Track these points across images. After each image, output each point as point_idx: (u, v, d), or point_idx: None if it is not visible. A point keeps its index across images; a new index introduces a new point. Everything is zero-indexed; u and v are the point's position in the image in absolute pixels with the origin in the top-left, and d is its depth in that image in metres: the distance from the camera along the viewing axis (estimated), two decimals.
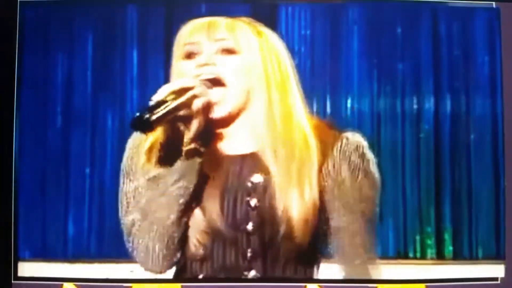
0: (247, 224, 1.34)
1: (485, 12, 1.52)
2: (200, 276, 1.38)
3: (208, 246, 1.35)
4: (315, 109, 1.48)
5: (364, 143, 1.41)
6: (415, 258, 1.50)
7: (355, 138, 1.40)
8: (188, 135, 1.30)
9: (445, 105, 1.51)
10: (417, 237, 1.50)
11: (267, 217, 1.34)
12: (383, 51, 1.51)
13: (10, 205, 1.48)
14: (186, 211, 1.33)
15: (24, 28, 1.51)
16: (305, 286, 1.43)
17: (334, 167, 1.37)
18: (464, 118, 1.51)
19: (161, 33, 1.50)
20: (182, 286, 1.43)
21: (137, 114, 1.24)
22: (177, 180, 1.31)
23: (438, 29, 1.52)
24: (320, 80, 1.49)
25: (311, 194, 1.35)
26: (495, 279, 1.49)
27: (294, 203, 1.33)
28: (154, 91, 1.45)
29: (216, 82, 1.35)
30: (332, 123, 1.44)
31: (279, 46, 1.41)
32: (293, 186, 1.34)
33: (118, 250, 1.42)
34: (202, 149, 1.32)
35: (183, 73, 1.36)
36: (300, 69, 1.48)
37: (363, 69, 1.50)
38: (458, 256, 1.50)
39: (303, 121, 1.39)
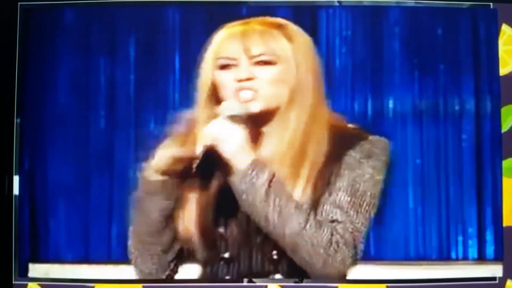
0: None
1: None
2: None
3: None
4: (356, 110, 1.49)
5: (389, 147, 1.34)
6: (457, 259, 1.50)
7: (381, 143, 1.33)
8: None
9: (486, 106, 1.52)
10: (459, 238, 1.50)
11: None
12: (423, 52, 1.51)
13: (11, 207, 1.49)
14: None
15: (65, 31, 1.53)
16: (266, 286, 1.43)
17: (360, 168, 1.32)
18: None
19: (202, 36, 1.50)
20: (143, 286, 1.45)
21: None
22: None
23: (477, 31, 1.53)
24: (362, 81, 1.50)
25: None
26: None
27: None
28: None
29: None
30: (358, 127, 1.38)
31: (308, 45, 1.36)
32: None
33: None
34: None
35: (223, 84, 1.33)
36: (341, 70, 1.49)
37: (404, 70, 1.51)
38: (500, 257, 1.50)
39: (325, 125, 1.34)
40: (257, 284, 1.41)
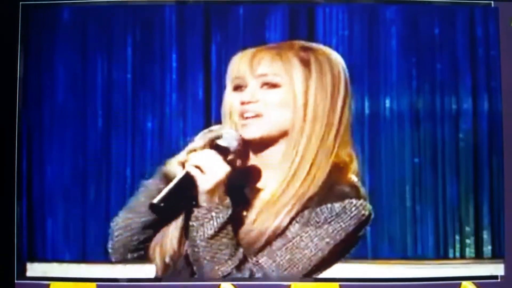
0: None
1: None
2: None
3: None
4: (353, 108, 1.49)
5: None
6: (454, 258, 1.50)
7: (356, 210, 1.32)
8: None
9: (483, 105, 1.51)
10: (457, 237, 1.50)
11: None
12: (421, 51, 1.51)
13: (13, 207, 1.50)
14: None
15: (61, 30, 1.53)
16: (219, 285, 1.43)
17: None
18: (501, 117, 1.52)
19: (199, 35, 1.51)
20: (97, 285, 1.46)
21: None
22: None
23: (474, 30, 1.52)
24: (359, 80, 1.49)
25: None
26: None
27: None
28: (193, 93, 1.49)
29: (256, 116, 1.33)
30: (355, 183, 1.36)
31: (331, 75, 1.36)
32: None
33: None
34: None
35: (231, 106, 1.35)
36: None
37: (401, 69, 1.50)
38: (497, 255, 1.50)
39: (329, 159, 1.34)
40: (210, 283, 1.41)
